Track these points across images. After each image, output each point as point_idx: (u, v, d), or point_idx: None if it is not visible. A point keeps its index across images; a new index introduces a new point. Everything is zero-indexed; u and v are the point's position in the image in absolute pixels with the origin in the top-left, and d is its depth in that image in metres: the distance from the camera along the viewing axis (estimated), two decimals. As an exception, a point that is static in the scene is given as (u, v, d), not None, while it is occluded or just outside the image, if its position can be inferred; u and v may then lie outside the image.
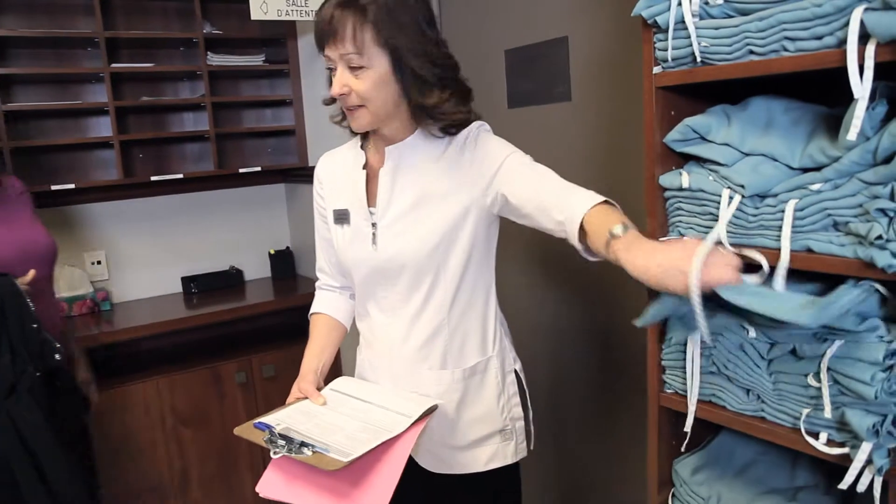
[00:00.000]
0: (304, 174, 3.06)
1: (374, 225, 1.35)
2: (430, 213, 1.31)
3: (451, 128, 1.32)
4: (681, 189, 1.20)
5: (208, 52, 2.80)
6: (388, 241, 1.33)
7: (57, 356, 1.66)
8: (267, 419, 1.25)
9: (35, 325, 1.63)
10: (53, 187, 2.61)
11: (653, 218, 1.26)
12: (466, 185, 1.31)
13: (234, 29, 2.94)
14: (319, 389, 1.36)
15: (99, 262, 2.90)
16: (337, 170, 1.44)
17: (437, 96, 1.26)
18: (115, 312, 2.81)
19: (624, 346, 1.87)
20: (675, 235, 1.24)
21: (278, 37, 2.96)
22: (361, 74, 1.23)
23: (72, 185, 2.64)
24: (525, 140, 2.06)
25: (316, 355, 1.45)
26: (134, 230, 2.97)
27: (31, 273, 1.70)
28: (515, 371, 1.45)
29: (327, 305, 1.53)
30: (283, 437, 1.19)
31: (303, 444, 1.16)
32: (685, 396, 1.23)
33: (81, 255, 2.86)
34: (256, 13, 2.44)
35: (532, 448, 1.48)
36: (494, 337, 1.41)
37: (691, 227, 1.20)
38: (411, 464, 1.31)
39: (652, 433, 1.30)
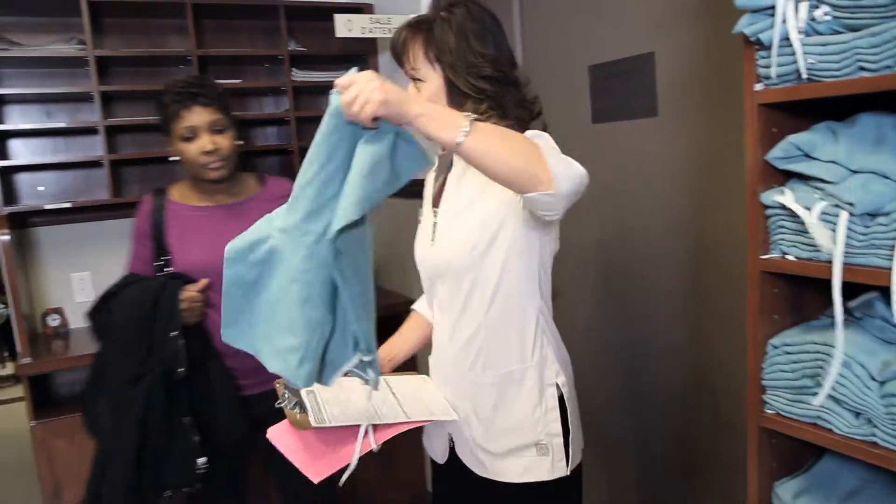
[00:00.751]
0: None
1: (434, 224, 1.45)
2: (473, 216, 1.37)
3: None
4: (783, 207, 1.18)
5: (293, 69, 2.90)
6: (440, 240, 1.43)
7: (180, 370, 1.74)
8: None
9: (174, 333, 1.72)
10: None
11: (753, 236, 1.25)
12: (501, 189, 1.33)
13: (317, 46, 3.03)
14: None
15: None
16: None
17: (470, 107, 1.34)
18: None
19: (714, 363, 1.84)
20: (777, 254, 1.22)
21: (360, 53, 3.04)
22: (422, 86, 1.38)
23: (164, 197, 2.75)
24: (609, 155, 2.08)
25: (391, 345, 1.62)
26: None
27: (203, 282, 1.79)
28: (557, 385, 1.41)
29: (420, 303, 1.65)
30: (289, 390, 1.40)
31: (298, 404, 1.35)
32: (787, 417, 1.21)
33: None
34: (341, 31, 2.51)
35: (572, 469, 1.40)
36: (534, 346, 1.40)
37: (794, 246, 1.19)
38: (460, 465, 1.46)
39: (751, 455, 1.28)
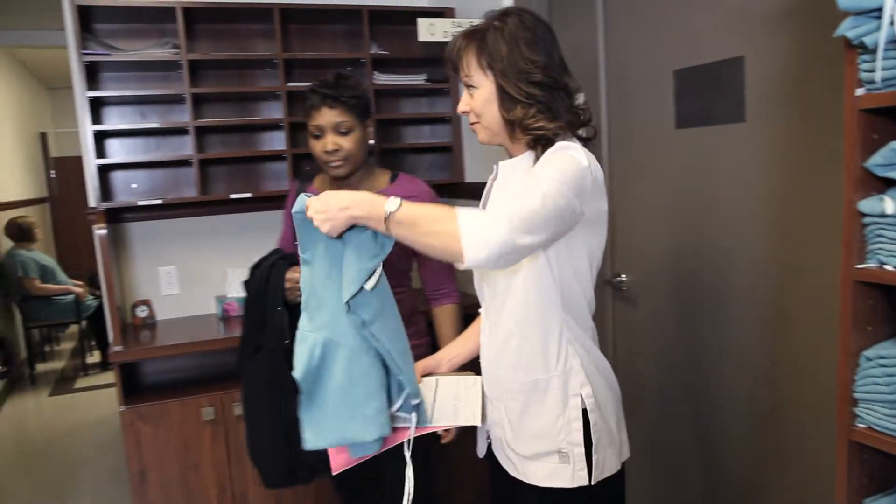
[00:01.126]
0: (458, 190, 3.14)
1: None
2: None
3: (536, 143, 1.40)
4: (883, 216, 1.15)
5: (374, 72, 2.96)
6: None
7: (286, 341, 1.83)
8: None
9: (279, 309, 1.84)
10: (232, 196, 2.84)
11: (848, 245, 1.21)
12: None
13: (399, 49, 3.08)
14: (432, 374, 1.61)
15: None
16: None
17: (520, 112, 1.37)
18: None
19: (798, 375, 1.79)
20: (875, 263, 1.19)
21: (440, 56, 3.06)
22: (474, 93, 1.43)
23: (249, 195, 2.86)
24: (693, 160, 2.05)
25: (453, 346, 1.70)
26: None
27: None
28: (581, 396, 1.41)
29: None
30: None
31: None
32: (880, 432, 1.17)
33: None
34: (424, 34, 2.55)
35: (599, 479, 1.41)
36: (558, 357, 1.42)
37: (893, 255, 1.15)
38: (497, 462, 1.54)
39: (840, 469, 1.24)
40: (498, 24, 1.39)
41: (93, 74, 2.73)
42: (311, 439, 1.43)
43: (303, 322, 1.43)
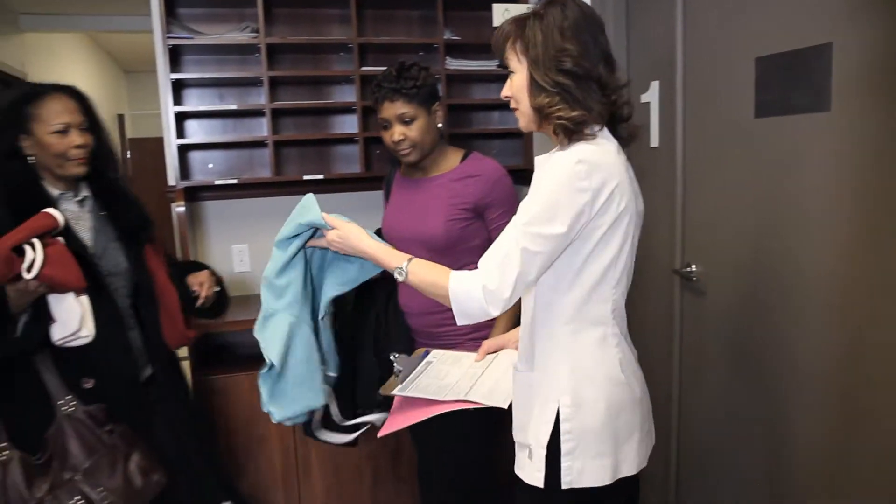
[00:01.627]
0: (528, 176, 3.13)
1: None
2: None
3: (557, 132, 1.42)
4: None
5: (447, 57, 2.97)
6: None
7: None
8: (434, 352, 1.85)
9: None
10: (305, 177, 2.90)
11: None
12: None
13: (471, 35, 3.09)
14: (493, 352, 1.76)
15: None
16: None
17: (544, 99, 1.39)
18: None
19: (884, 384, 1.74)
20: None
21: (511, 42, 3.07)
22: (513, 78, 1.46)
23: (321, 176, 2.91)
24: (772, 150, 2.00)
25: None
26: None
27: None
28: (559, 403, 1.42)
29: None
30: (403, 362, 1.74)
31: (402, 373, 1.69)
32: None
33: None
34: (499, 20, 2.57)
35: (548, 485, 1.43)
36: (548, 358, 1.46)
37: None
38: None
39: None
40: (540, 11, 1.41)
41: (175, 57, 2.82)
42: (277, 412, 1.67)
43: (269, 300, 1.69)
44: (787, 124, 1.94)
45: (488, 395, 1.58)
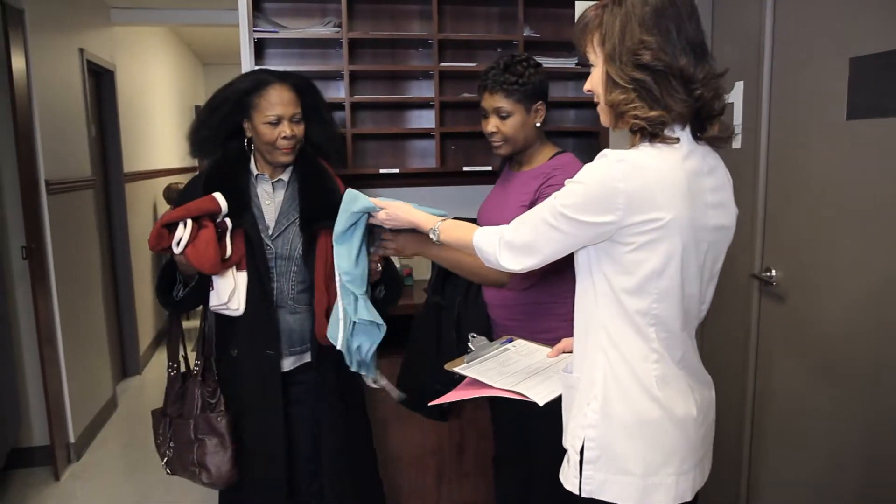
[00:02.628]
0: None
1: None
2: None
3: (633, 131, 1.31)
4: None
5: (525, 54, 2.96)
6: None
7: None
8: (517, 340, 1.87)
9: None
10: (381, 170, 2.95)
11: None
12: None
13: (550, 33, 3.08)
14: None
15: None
16: None
17: (618, 96, 1.28)
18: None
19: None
20: None
21: (591, 40, 3.04)
22: (593, 71, 1.35)
23: (396, 170, 2.96)
24: (865, 153, 1.94)
25: None
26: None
27: None
28: (589, 409, 1.36)
29: None
30: (477, 343, 1.79)
31: (472, 353, 1.74)
32: None
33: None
34: (581, 18, 2.54)
35: (584, 495, 1.34)
36: (584, 360, 1.39)
37: None
38: None
39: None
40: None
41: (258, 51, 2.90)
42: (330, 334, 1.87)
43: (358, 287, 1.81)
44: (882, 126, 1.89)
45: (533, 388, 1.55)
